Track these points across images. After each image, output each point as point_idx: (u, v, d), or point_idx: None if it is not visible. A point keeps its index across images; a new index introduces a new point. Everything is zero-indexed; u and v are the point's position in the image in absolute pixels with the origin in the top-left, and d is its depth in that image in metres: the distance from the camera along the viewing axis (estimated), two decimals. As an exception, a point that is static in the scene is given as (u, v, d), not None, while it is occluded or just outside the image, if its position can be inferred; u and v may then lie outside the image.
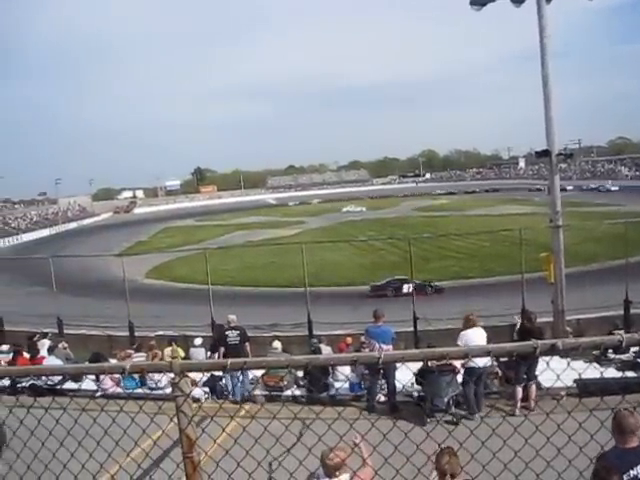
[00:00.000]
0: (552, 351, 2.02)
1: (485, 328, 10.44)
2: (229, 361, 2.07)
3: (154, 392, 11.62)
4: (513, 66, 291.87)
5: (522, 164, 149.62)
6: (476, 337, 9.82)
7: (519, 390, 10.12)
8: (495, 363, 11.24)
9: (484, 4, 14.58)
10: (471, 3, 14.69)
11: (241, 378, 11.99)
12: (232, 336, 12.42)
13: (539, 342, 1.99)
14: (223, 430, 4.09)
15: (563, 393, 8.83)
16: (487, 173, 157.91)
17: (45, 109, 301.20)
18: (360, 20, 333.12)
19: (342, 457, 4.72)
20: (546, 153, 14.17)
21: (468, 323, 10.17)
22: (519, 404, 10.01)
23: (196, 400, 11.06)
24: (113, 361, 11.86)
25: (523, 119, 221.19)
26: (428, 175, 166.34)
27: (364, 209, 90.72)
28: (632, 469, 4.18)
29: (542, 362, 8.72)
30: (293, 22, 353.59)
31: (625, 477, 4.15)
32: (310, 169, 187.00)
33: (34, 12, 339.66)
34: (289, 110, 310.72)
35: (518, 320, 11.96)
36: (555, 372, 2.42)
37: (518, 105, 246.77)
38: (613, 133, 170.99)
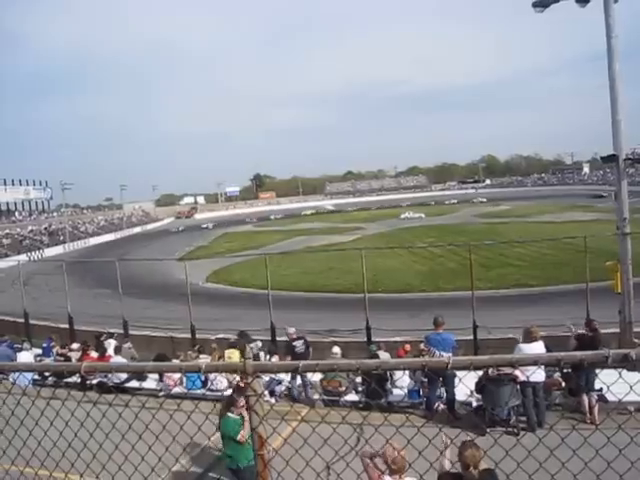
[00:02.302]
0: (624, 361, 1.96)
1: (546, 338, 10.16)
2: (301, 363, 2.10)
3: (215, 393, 11.86)
4: (577, 69, 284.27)
5: (586, 169, 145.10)
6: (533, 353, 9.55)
7: (585, 400, 9.82)
8: (558, 374, 10.96)
9: (547, 5, 14.20)
10: (534, 5, 14.32)
11: (299, 382, 12.13)
12: (299, 345, 13.09)
13: (611, 351, 1.93)
14: (293, 430, 4.13)
15: (632, 408, 8.47)
16: (549, 179, 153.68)
17: (112, 119, 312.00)
18: (418, 26, 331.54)
19: (405, 457, 4.72)
20: (613, 158, 13.65)
21: (529, 336, 9.88)
22: (589, 415, 9.71)
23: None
24: (176, 362, 12.14)
25: (587, 123, 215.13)
26: (488, 181, 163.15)
27: (423, 215, 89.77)
28: None
29: (604, 374, 8.44)
30: (351, 29, 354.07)
31: None
32: (368, 175, 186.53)
33: (99, 24, 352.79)
34: (348, 116, 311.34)
35: (573, 327, 11.59)
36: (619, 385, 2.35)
37: (582, 109, 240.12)
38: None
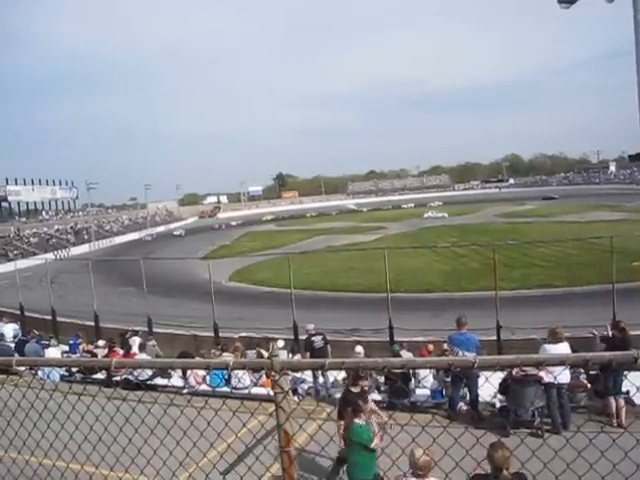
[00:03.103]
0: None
1: (571, 339, 10.05)
2: (327, 361, 2.12)
3: (239, 391, 11.95)
4: (602, 66, 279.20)
5: (612, 168, 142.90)
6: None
7: (612, 402, 9.71)
8: (583, 376, 10.85)
9: (573, 2, 14.00)
10: (559, 1, 14.12)
11: (322, 380, 12.21)
12: (317, 341, 13.24)
13: (640, 352, 1.93)
14: (319, 427, 4.16)
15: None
16: (574, 178, 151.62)
17: (136, 120, 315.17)
18: (441, 25, 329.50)
19: (431, 458, 4.72)
20: (640, 156, 13.44)
21: (554, 337, 9.78)
22: (615, 417, 9.60)
23: (270, 400, 11.22)
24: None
25: (614, 121, 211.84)
26: (512, 180, 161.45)
27: (446, 215, 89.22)
28: None
29: (631, 376, 8.34)
30: (373, 28, 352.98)
31: None
32: (391, 174, 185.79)
33: (130, 27, 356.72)
34: (371, 116, 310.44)
35: (596, 332, 11.44)
36: None
37: (609, 107, 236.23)
38: None
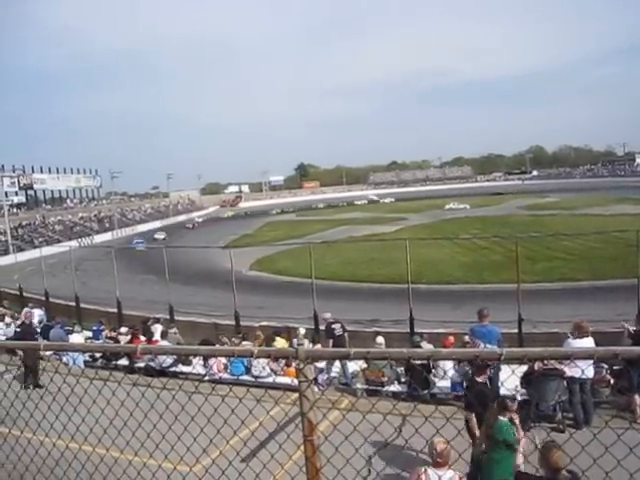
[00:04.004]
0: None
1: (595, 334, 9.94)
2: (352, 350, 2.12)
3: (260, 379, 12.04)
4: (629, 57, 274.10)
5: (639, 160, 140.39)
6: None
7: (636, 399, 9.61)
8: (606, 371, 10.73)
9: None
10: None
11: (337, 369, 12.35)
12: (337, 328, 13.51)
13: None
14: (343, 417, 4.18)
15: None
16: (599, 170, 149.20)
17: (157, 108, 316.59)
18: (466, 15, 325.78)
19: (449, 450, 4.72)
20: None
21: (579, 331, 9.67)
22: (638, 414, 9.50)
23: (294, 390, 11.30)
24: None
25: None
26: (535, 172, 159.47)
27: (467, 206, 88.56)
28: None
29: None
30: (396, 19, 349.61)
31: None
32: (413, 165, 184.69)
33: (159, 16, 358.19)
34: (393, 106, 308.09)
35: (628, 327, 11.28)
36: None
37: (635, 98, 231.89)
38: None
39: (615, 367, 10.64)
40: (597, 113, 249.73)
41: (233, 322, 18.58)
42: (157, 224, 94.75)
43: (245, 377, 12.54)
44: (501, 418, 6.35)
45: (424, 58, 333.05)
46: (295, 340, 2.67)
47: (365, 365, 11.63)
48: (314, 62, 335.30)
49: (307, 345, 13.67)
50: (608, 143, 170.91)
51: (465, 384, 7.42)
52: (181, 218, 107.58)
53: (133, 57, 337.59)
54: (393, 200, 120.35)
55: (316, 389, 11.74)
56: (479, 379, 7.47)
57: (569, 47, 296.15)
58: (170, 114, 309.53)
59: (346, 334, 13.67)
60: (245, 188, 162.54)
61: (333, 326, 13.58)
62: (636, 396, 9.64)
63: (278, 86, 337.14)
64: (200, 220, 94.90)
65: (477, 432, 6.79)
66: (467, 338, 11.20)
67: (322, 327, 15.34)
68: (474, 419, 6.87)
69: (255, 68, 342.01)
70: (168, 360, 13.33)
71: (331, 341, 13.16)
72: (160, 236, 75.81)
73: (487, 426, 6.33)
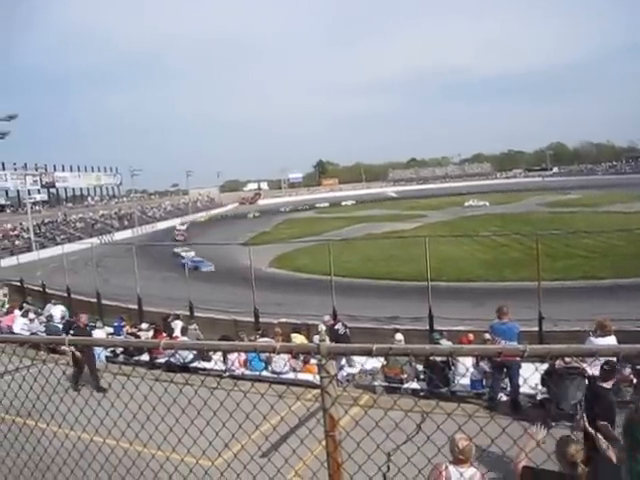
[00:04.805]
0: None
1: (617, 333, 9.83)
2: (375, 346, 2.13)
3: (280, 375, 12.10)
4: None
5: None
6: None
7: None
8: (629, 370, 10.61)
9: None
10: None
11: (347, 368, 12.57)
12: (341, 328, 13.95)
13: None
14: (365, 412, 4.20)
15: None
16: (622, 167, 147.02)
17: (178, 106, 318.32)
18: (485, 11, 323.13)
19: (471, 447, 4.71)
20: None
21: (602, 330, 9.57)
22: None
23: (315, 386, 11.36)
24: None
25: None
26: (556, 169, 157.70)
27: (487, 203, 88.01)
28: None
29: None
30: (416, 15, 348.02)
31: None
32: (432, 162, 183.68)
33: (171, 16, 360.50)
34: (412, 103, 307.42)
35: None
36: None
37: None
38: None
39: (638, 366, 10.52)
40: (619, 108, 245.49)
41: (252, 319, 18.66)
42: (177, 221, 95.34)
43: (265, 373, 12.60)
44: None
45: (443, 55, 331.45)
46: (316, 337, 2.69)
47: (385, 362, 11.62)
48: (333, 60, 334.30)
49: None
50: (630, 139, 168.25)
51: (587, 392, 6.81)
52: (201, 214, 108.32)
53: (150, 57, 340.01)
54: (354, 202, 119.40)
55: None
56: (605, 385, 6.73)
57: (590, 41, 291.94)
58: (190, 113, 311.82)
59: (347, 330, 14.18)
60: (264, 185, 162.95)
61: (336, 327, 13.97)
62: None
63: (296, 84, 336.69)
64: (184, 228, 79.57)
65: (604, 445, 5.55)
66: (487, 335, 11.15)
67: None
68: (599, 436, 5.67)
69: (275, 67, 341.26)
70: (189, 356, 13.45)
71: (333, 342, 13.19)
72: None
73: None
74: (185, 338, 14.69)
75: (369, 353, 2.17)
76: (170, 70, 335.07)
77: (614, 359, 6.75)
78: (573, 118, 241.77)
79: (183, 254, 44.94)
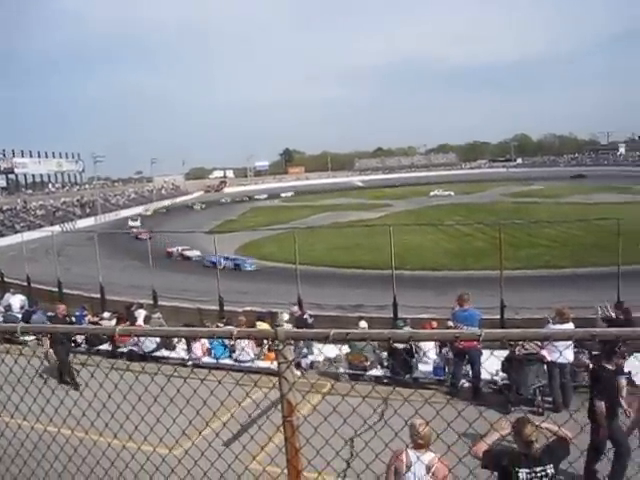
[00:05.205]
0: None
1: (576, 320, 10.05)
2: (332, 331, 2.11)
3: (243, 363, 12.05)
4: (615, 48, 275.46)
5: (622, 150, 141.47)
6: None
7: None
8: (586, 356, 10.87)
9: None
10: None
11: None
12: (308, 318, 14.09)
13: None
14: (328, 397, 4.19)
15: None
16: (583, 159, 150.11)
17: (143, 93, 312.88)
18: (456, 3, 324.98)
19: (430, 432, 4.76)
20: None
21: (561, 317, 9.78)
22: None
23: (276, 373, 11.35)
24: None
25: (625, 103, 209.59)
26: (519, 160, 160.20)
27: (452, 193, 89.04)
28: None
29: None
30: (388, 5, 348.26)
31: None
32: (398, 152, 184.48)
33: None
34: (379, 93, 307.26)
35: (608, 306, 11.41)
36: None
37: (620, 88, 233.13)
38: None
39: (594, 352, 10.77)
40: (582, 102, 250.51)
41: (217, 307, 18.55)
42: (140, 209, 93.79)
43: (227, 361, 12.54)
44: None
45: (411, 45, 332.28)
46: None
47: (349, 350, 11.67)
48: (302, 48, 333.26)
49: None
50: (592, 132, 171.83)
51: (592, 370, 7.14)
52: (165, 203, 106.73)
53: (116, 42, 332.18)
54: (292, 194, 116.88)
55: (299, 373, 11.82)
56: (609, 366, 7.02)
57: (556, 36, 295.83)
58: (155, 99, 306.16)
59: (312, 319, 14.38)
60: (230, 173, 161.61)
61: (305, 317, 14.14)
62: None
63: (264, 71, 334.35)
64: (138, 224, 70.07)
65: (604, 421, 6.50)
66: (450, 323, 11.29)
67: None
68: (603, 408, 6.52)
69: (243, 53, 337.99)
70: (151, 345, 13.29)
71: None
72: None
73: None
74: (148, 327, 14.51)
75: (327, 338, 2.15)
76: (136, 55, 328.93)
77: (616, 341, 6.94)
78: (537, 111, 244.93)
79: (188, 253, 42.33)
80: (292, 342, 2.37)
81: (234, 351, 12.65)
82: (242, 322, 13.92)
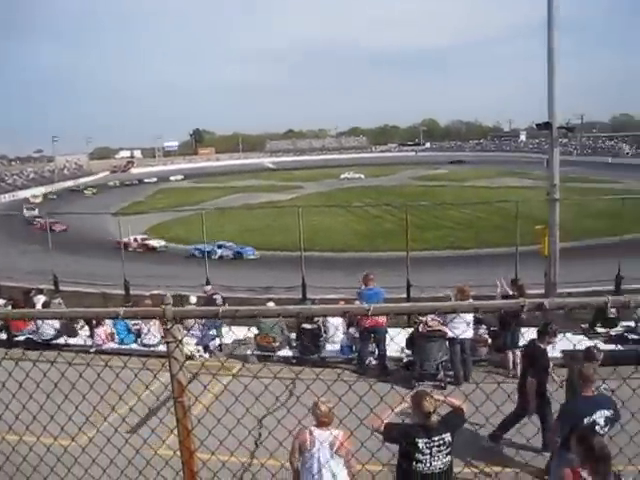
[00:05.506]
0: (539, 310, 2.07)
1: (477, 298, 10.52)
2: (221, 309, 2.10)
3: (150, 348, 11.80)
4: (521, 37, 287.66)
5: (523, 137, 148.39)
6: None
7: (509, 356, 10.36)
8: (484, 331, 11.43)
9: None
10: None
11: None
12: (218, 299, 13.42)
13: (527, 300, 2.04)
14: (226, 387, 4.17)
15: (551, 363, 8.93)
16: (487, 145, 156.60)
17: (43, 65, 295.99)
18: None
19: (332, 410, 4.86)
20: (547, 125, 14.04)
21: (462, 294, 10.21)
22: (511, 369, 10.24)
23: (189, 357, 11.23)
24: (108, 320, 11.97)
25: (527, 92, 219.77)
26: (428, 144, 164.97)
27: (362, 176, 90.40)
28: (592, 414, 5.17)
29: (533, 333, 8.88)
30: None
31: (586, 421, 5.11)
32: (310, 134, 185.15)
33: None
34: (292, 74, 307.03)
35: (503, 282, 11.97)
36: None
37: (523, 77, 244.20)
38: (616, 109, 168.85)
39: (492, 328, 11.36)
40: (488, 90, 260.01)
41: (123, 291, 18.02)
42: (41, 190, 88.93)
43: (134, 346, 12.22)
44: None
45: (324, 28, 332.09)
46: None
47: (257, 331, 11.67)
48: (213, 28, 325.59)
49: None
50: (496, 119, 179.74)
51: (526, 349, 7.56)
52: (68, 184, 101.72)
53: (18, 11, 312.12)
54: (182, 177, 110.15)
55: (207, 355, 11.71)
56: (541, 345, 7.52)
57: (465, 26, 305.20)
58: (58, 72, 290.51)
59: (227, 304, 13.43)
60: (137, 153, 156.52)
61: (215, 297, 13.67)
62: (509, 353, 10.40)
63: (174, 51, 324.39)
64: (35, 213, 57.14)
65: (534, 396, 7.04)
66: (357, 302, 11.51)
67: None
68: (535, 384, 7.04)
69: (150, 32, 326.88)
70: (50, 331, 12.71)
71: None
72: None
73: (573, 378, 6.43)
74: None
75: (216, 316, 2.14)
76: (38, 25, 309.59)
77: (551, 321, 7.79)
78: (446, 97, 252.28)
79: (153, 243, 38.34)
80: (180, 321, 2.33)
81: (139, 335, 12.35)
82: (148, 306, 13.62)
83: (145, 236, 39.33)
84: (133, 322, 12.17)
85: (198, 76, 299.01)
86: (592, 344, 10.36)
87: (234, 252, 33.67)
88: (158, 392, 5.15)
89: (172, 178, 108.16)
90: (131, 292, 17.89)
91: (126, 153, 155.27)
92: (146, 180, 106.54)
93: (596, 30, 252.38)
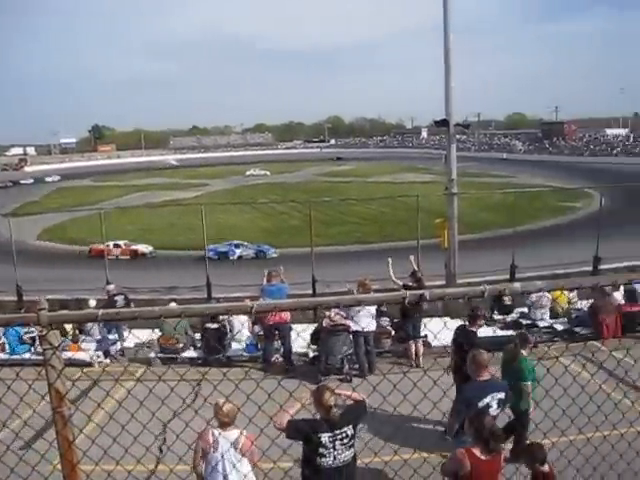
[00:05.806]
0: (420, 300, 2.14)
1: (379, 291, 10.75)
2: (100, 311, 2.01)
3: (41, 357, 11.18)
4: (422, 37, 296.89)
5: (424, 134, 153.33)
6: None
7: (412, 346, 10.69)
8: (387, 323, 11.73)
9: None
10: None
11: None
12: (119, 301, 12.89)
13: (407, 292, 2.09)
14: (134, 391, 4.01)
15: (450, 350, 9.27)
16: (390, 141, 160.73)
17: None
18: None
19: (234, 410, 4.82)
20: (444, 122, 14.60)
21: (363, 288, 10.44)
22: (414, 359, 10.58)
23: (88, 364, 10.79)
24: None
25: (428, 90, 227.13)
26: (333, 141, 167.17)
27: (268, 173, 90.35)
28: (485, 397, 5.49)
29: (436, 323, 9.19)
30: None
31: (480, 404, 5.39)
32: (215, 131, 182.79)
33: None
34: (195, 69, 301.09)
35: (413, 263, 12.27)
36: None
37: (424, 76, 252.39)
38: (510, 108, 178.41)
39: (395, 319, 11.68)
40: (391, 88, 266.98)
41: (15, 297, 17.01)
42: None
43: (27, 355, 11.54)
44: (523, 352, 7.04)
45: (228, 23, 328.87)
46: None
47: (160, 333, 11.40)
48: (111, 20, 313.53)
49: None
50: (399, 117, 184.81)
51: (458, 335, 7.71)
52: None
53: None
54: (59, 178, 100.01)
55: (108, 360, 11.29)
56: (472, 328, 7.86)
57: (372, 25, 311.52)
58: None
59: (132, 304, 13.16)
60: (31, 150, 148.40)
61: (116, 298, 13.09)
62: (411, 343, 10.73)
63: (70, 43, 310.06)
64: None
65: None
66: (261, 300, 11.48)
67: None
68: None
69: (48, 22, 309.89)
70: None
71: None
72: None
73: (507, 360, 7.08)
74: None
75: (95, 319, 2.04)
76: None
77: (477, 307, 8.17)
78: (350, 95, 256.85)
79: (142, 249, 34.05)
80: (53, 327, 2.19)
81: (34, 344, 11.69)
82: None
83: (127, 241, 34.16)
84: (25, 330, 11.47)
85: (98, 70, 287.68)
86: (491, 330, 10.99)
87: (255, 252, 31.89)
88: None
89: (48, 179, 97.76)
90: (25, 298, 16.91)
91: (18, 150, 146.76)
92: (22, 181, 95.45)
93: (493, 34, 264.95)
